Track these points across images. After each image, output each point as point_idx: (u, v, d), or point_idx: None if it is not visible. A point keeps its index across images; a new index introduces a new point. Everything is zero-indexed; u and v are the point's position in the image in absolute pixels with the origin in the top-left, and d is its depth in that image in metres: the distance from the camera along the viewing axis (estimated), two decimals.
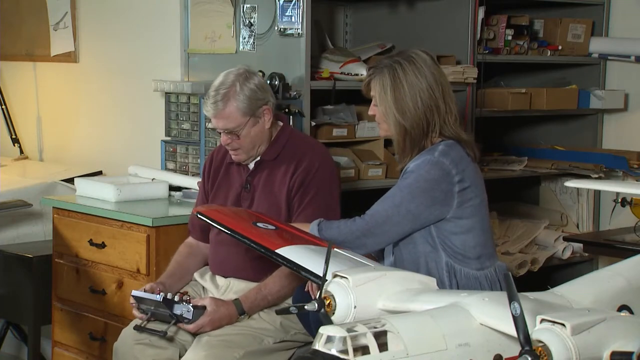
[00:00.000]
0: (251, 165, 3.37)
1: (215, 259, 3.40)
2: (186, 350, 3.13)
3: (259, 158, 3.35)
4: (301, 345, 3.23)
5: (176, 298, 3.09)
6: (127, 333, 3.23)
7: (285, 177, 3.29)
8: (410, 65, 2.96)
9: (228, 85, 3.25)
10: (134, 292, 3.18)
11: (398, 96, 2.95)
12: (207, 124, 4.02)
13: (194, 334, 3.14)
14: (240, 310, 3.16)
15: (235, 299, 3.18)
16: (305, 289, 2.90)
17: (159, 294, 3.10)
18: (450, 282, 2.94)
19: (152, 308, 3.13)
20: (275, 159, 3.33)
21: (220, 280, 3.37)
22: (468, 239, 2.95)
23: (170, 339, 3.15)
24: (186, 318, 3.08)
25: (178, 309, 3.08)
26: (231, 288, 3.32)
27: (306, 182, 3.26)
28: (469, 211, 2.94)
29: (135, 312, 3.20)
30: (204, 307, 3.09)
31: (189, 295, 3.16)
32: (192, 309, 3.07)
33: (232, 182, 3.41)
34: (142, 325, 3.14)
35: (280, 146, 3.34)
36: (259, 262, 3.19)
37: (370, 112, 3.08)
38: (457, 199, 2.92)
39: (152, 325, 3.14)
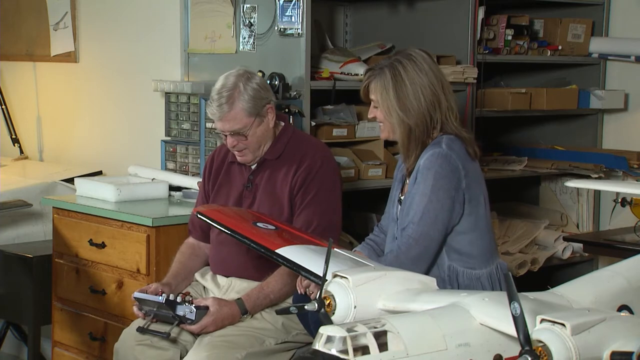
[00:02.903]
0: (253, 165, 3.37)
1: (217, 259, 3.40)
2: (187, 352, 3.13)
3: (261, 158, 3.35)
4: (302, 346, 3.23)
5: (178, 299, 3.09)
6: (128, 334, 3.23)
7: (287, 176, 3.29)
8: (410, 63, 2.96)
9: (231, 87, 3.24)
10: (136, 294, 3.18)
11: (400, 94, 2.94)
12: (207, 124, 4.02)
13: (197, 335, 3.14)
14: (243, 309, 3.16)
15: (238, 299, 3.18)
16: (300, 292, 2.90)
17: (161, 295, 3.10)
18: (452, 285, 2.94)
19: (155, 309, 3.13)
20: (277, 158, 3.33)
21: (221, 279, 3.37)
22: (474, 238, 2.96)
23: (173, 340, 3.15)
24: (189, 319, 3.08)
25: (181, 310, 3.08)
26: (233, 287, 3.32)
27: (308, 180, 3.26)
28: (475, 208, 2.94)
29: (137, 313, 3.20)
30: (207, 308, 3.09)
31: (191, 296, 3.16)
32: (195, 310, 3.07)
33: (234, 181, 3.41)
34: (145, 327, 3.14)
35: (282, 145, 3.34)
36: (261, 262, 3.19)
37: (370, 115, 3.07)
38: (466, 194, 2.92)
39: (155, 327, 3.14)
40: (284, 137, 3.36)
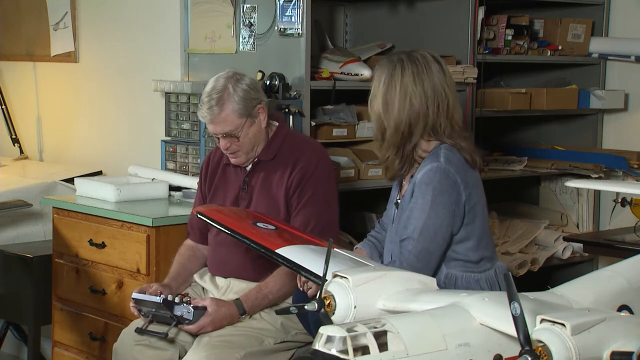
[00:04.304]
0: (249, 166, 3.38)
1: (215, 260, 3.40)
2: (186, 352, 3.13)
3: (256, 159, 3.35)
4: (301, 346, 3.23)
5: (176, 299, 3.09)
6: (127, 334, 3.23)
7: (283, 177, 3.29)
8: (412, 66, 2.94)
9: (220, 89, 3.24)
10: (134, 295, 3.18)
11: (389, 92, 2.93)
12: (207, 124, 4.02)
13: (195, 335, 3.14)
14: (241, 310, 3.16)
15: (236, 299, 3.18)
16: (300, 287, 2.91)
17: (159, 296, 3.11)
18: (450, 288, 2.94)
19: (153, 310, 3.13)
20: (272, 159, 3.33)
21: (220, 280, 3.37)
22: (470, 244, 2.95)
23: (171, 341, 3.15)
24: (187, 319, 3.08)
25: (178, 310, 3.08)
26: (232, 288, 3.32)
27: (304, 180, 3.26)
28: (472, 216, 2.94)
29: (135, 313, 3.20)
30: (205, 308, 3.10)
31: (190, 297, 3.16)
32: (193, 310, 3.08)
33: (230, 183, 3.41)
34: (143, 328, 3.14)
35: (277, 146, 3.34)
36: (259, 262, 3.19)
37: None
38: (466, 206, 2.91)
39: (153, 327, 3.15)
40: (278, 137, 3.36)
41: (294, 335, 3.21)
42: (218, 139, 3.29)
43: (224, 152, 3.33)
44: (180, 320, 3.09)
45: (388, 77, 2.95)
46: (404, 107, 2.92)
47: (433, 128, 2.94)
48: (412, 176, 2.98)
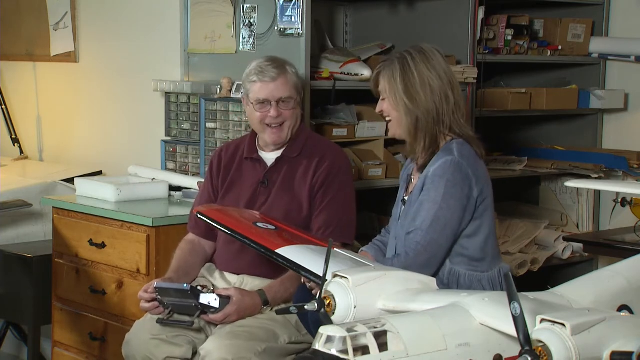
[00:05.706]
0: (270, 162, 3.38)
1: (226, 257, 3.38)
2: (197, 349, 3.11)
3: (279, 154, 3.36)
4: (309, 347, 3.21)
5: (199, 288, 3.08)
6: (142, 325, 3.20)
7: (307, 173, 3.31)
8: (420, 55, 2.97)
9: (276, 59, 3.36)
10: (158, 284, 3.14)
11: (408, 83, 2.94)
12: (207, 124, 4.02)
13: (208, 330, 3.13)
14: (264, 300, 3.15)
15: (259, 290, 3.18)
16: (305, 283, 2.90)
17: (185, 284, 3.09)
18: (452, 287, 2.94)
19: (175, 300, 3.10)
20: (297, 155, 3.36)
21: (231, 277, 3.35)
22: (478, 240, 2.96)
23: (198, 330, 3.13)
24: (213, 307, 3.06)
25: (205, 299, 3.06)
26: (245, 285, 3.29)
27: (329, 179, 3.29)
28: (482, 211, 2.95)
29: (144, 305, 3.17)
30: (229, 297, 3.09)
31: (209, 288, 3.15)
32: (219, 298, 3.06)
33: (247, 178, 3.40)
34: (166, 318, 3.12)
35: (301, 143, 3.37)
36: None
37: (378, 110, 3.06)
38: (478, 201, 2.92)
39: (176, 318, 3.13)
40: (302, 135, 3.40)
41: (304, 335, 3.19)
42: (269, 105, 3.29)
43: (269, 123, 3.31)
44: (204, 309, 3.07)
45: (401, 71, 2.95)
46: (426, 92, 2.94)
47: (452, 112, 2.95)
48: (421, 172, 2.99)
